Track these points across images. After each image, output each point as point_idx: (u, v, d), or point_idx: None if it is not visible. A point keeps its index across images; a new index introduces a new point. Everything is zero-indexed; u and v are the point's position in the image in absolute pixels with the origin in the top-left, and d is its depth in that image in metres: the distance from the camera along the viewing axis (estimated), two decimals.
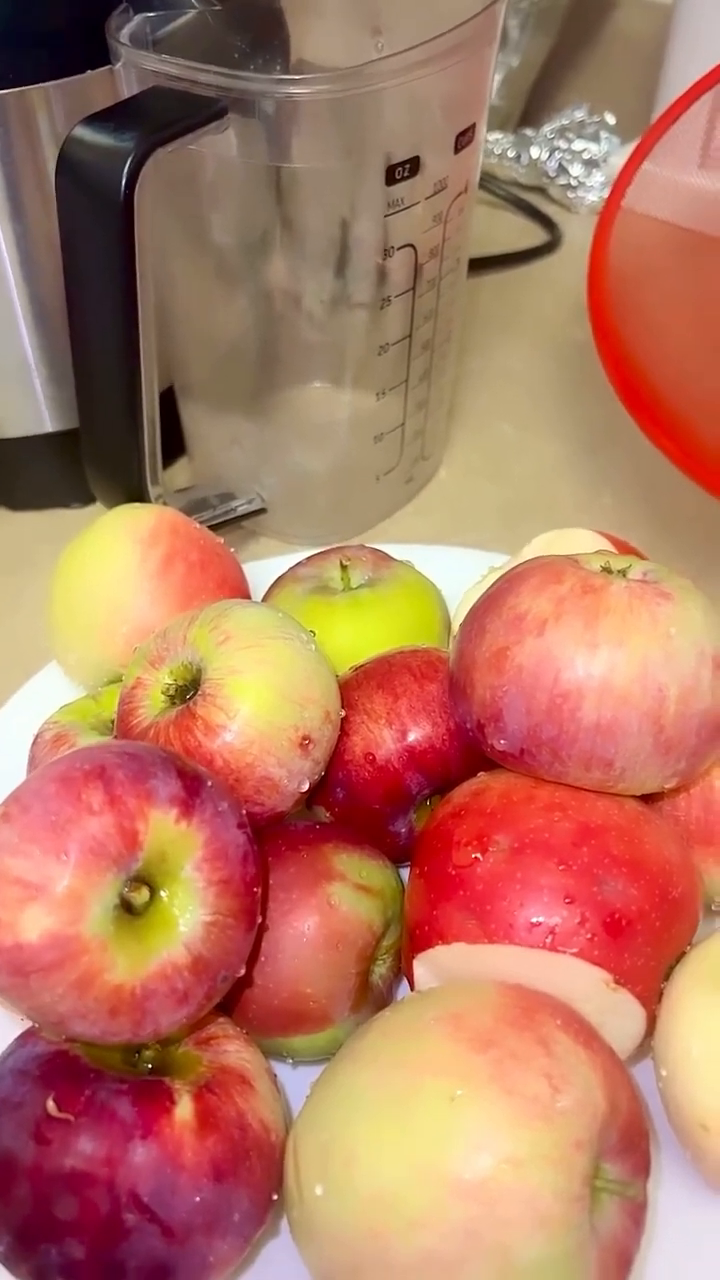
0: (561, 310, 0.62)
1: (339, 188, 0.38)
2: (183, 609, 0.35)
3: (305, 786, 0.30)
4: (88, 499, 0.49)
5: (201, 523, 0.40)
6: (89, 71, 0.39)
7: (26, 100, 0.38)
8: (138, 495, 0.39)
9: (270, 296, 0.42)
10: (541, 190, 0.70)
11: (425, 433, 0.49)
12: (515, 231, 0.68)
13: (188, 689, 0.30)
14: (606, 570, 0.29)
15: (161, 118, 0.34)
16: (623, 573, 0.29)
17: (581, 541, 0.36)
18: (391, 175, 0.37)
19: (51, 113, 0.39)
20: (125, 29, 0.37)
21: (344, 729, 0.32)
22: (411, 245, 0.40)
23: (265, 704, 0.28)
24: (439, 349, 0.46)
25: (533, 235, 0.67)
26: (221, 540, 0.38)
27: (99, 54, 0.38)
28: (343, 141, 0.36)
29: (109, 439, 0.38)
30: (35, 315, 0.43)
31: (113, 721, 0.34)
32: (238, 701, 0.28)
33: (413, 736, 0.32)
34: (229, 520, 0.45)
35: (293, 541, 0.48)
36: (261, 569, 0.41)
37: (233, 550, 0.38)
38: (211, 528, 0.42)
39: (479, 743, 0.29)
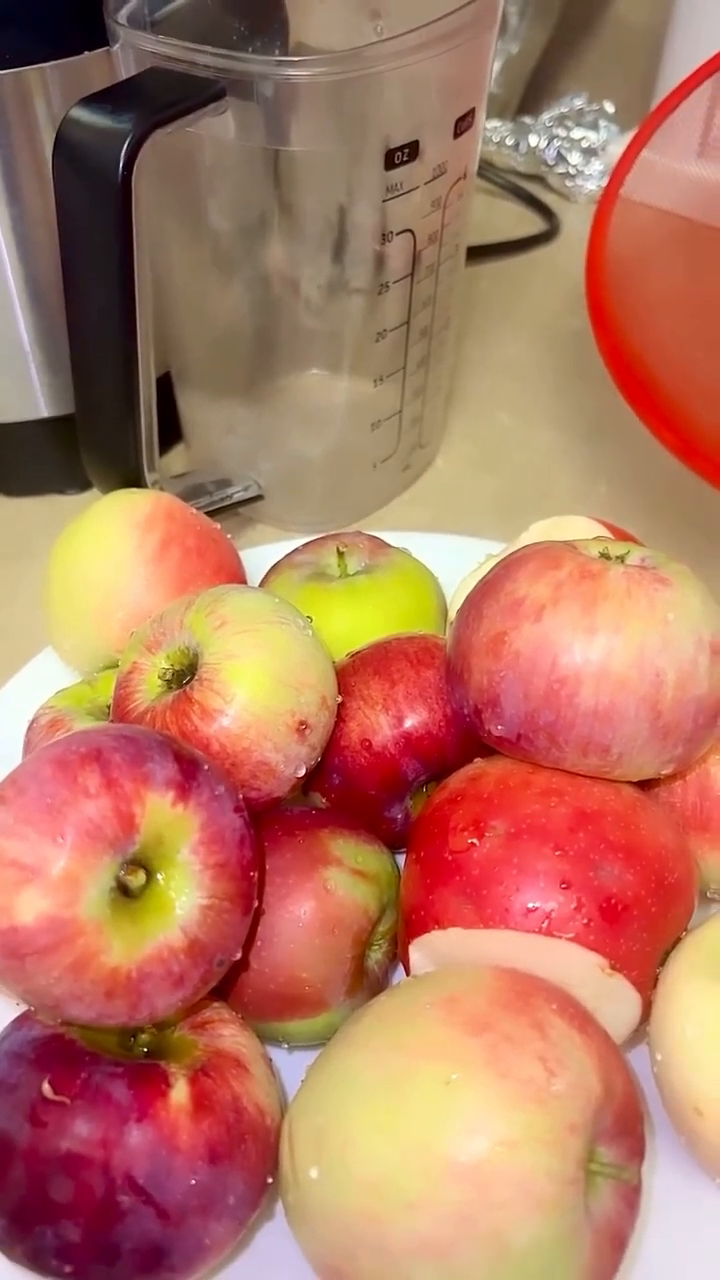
0: (559, 298, 0.62)
1: (337, 172, 0.37)
2: (179, 594, 0.35)
3: (302, 772, 0.30)
4: (84, 484, 0.49)
5: (198, 509, 0.39)
6: (87, 53, 0.39)
7: (23, 81, 0.38)
8: (134, 481, 0.39)
9: (267, 281, 0.42)
10: (540, 179, 0.70)
11: (423, 420, 0.49)
12: (513, 219, 0.68)
13: (184, 674, 0.30)
14: (605, 556, 0.29)
15: (159, 99, 0.33)
16: (620, 558, 0.29)
17: (579, 529, 0.36)
18: (390, 160, 0.37)
19: (49, 94, 0.39)
20: (124, 9, 0.37)
21: (340, 715, 0.32)
22: (410, 231, 0.40)
23: (262, 689, 0.28)
24: (437, 336, 0.46)
25: (531, 223, 0.67)
26: (218, 526, 0.38)
27: (97, 35, 0.38)
28: (341, 125, 0.36)
29: (105, 424, 0.38)
30: (31, 300, 0.43)
31: (109, 707, 0.34)
32: (234, 686, 0.28)
33: (409, 723, 0.32)
34: (226, 507, 0.45)
35: (289, 528, 0.48)
36: (258, 555, 0.41)
37: (229, 536, 0.38)
38: (208, 514, 0.41)
39: (476, 728, 0.29)
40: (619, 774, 0.28)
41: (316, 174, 0.38)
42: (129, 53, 0.36)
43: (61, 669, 0.39)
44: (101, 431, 0.38)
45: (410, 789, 0.33)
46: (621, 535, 0.36)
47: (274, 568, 0.39)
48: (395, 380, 0.45)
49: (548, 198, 0.69)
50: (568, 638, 0.27)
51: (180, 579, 0.36)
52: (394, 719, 0.32)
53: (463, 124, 0.39)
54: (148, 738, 0.25)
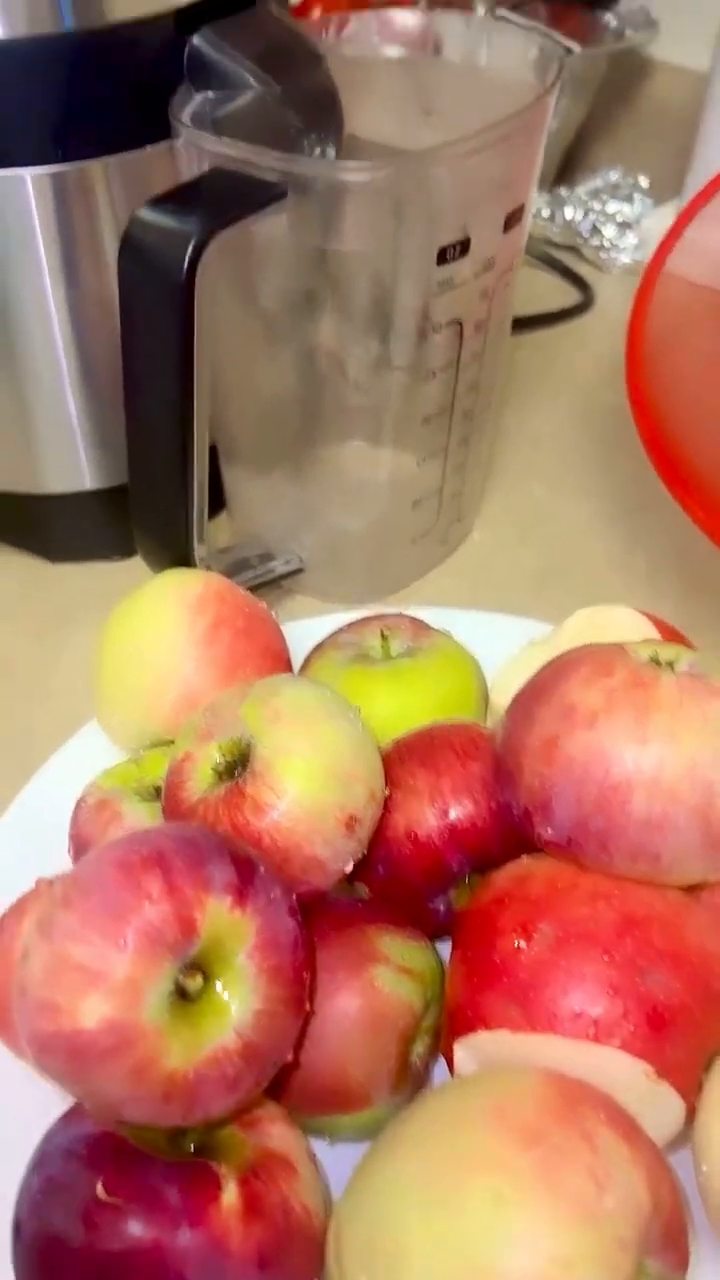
0: (595, 370, 0.63)
1: (388, 266, 0.38)
2: (227, 676, 0.36)
3: (349, 866, 0.30)
4: (127, 551, 0.50)
5: (242, 584, 0.40)
6: (149, 146, 0.40)
7: (87, 174, 0.39)
8: (184, 559, 0.40)
9: (315, 359, 0.43)
10: (575, 250, 0.71)
11: (462, 495, 0.49)
12: (548, 290, 0.69)
13: (236, 765, 0.30)
14: (655, 661, 0.29)
15: (223, 201, 0.34)
16: (671, 664, 0.29)
17: (620, 620, 0.36)
18: (442, 256, 0.38)
19: (110, 186, 0.40)
20: (187, 108, 0.38)
21: (386, 805, 0.32)
22: (458, 321, 0.41)
23: (313, 784, 0.29)
24: (479, 416, 0.47)
25: (565, 294, 0.68)
26: (264, 605, 0.39)
27: (159, 127, 0.39)
28: (395, 225, 0.37)
29: (159, 508, 0.39)
30: (81, 376, 0.44)
31: (156, 788, 0.34)
32: (287, 781, 0.29)
33: (454, 815, 0.32)
34: (269, 582, 0.45)
35: (329, 600, 0.48)
36: (301, 630, 0.42)
37: (273, 612, 0.39)
38: (252, 588, 0.42)
39: (525, 829, 0.30)
40: (667, 880, 0.29)
41: (368, 267, 0.39)
42: (192, 151, 0.37)
43: (107, 743, 0.39)
44: (155, 515, 0.39)
45: (454, 880, 0.33)
46: (664, 629, 0.36)
47: (318, 648, 0.39)
48: (437, 459, 0.45)
49: (582, 268, 0.70)
50: (621, 747, 0.27)
51: (229, 661, 0.36)
52: (439, 811, 0.32)
53: (513, 218, 0.40)
54: (207, 840, 0.26)
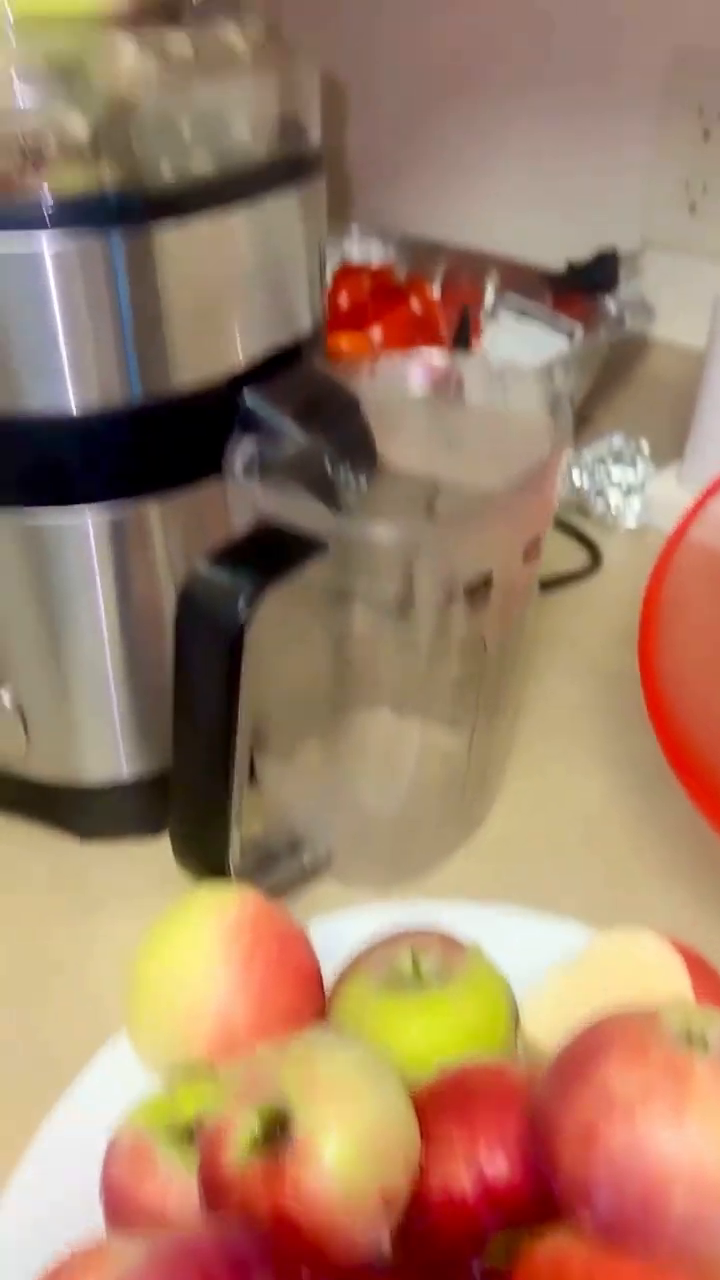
0: (604, 633, 0.66)
1: (414, 599, 0.41)
2: (260, 1001, 0.37)
3: (385, 1243, 0.30)
4: (156, 829, 0.51)
5: (273, 884, 0.41)
6: (202, 483, 0.44)
7: (143, 511, 0.43)
8: (219, 868, 0.41)
9: (343, 663, 0.46)
10: (582, 512, 0.76)
11: (486, 779, 0.51)
12: (556, 549, 0.73)
13: (274, 1132, 0.30)
14: (688, 1036, 0.30)
15: (274, 557, 0.37)
16: (704, 1040, 0.30)
17: (646, 954, 0.37)
18: (466, 591, 0.41)
19: (164, 519, 0.43)
20: (239, 458, 0.42)
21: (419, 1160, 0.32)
22: (481, 638, 0.44)
23: (355, 1165, 0.29)
24: (501, 711, 0.49)
25: (573, 553, 0.72)
26: (298, 926, 0.40)
27: (212, 467, 0.43)
28: (423, 569, 0.40)
29: (198, 821, 0.40)
30: (127, 676, 0.46)
31: (189, 1130, 0.34)
32: (327, 1160, 0.29)
33: (490, 1173, 0.32)
34: (298, 879, 0.47)
35: (354, 884, 0.49)
36: (331, 935, 0.42)
37: (298, 901, 0.40)
38: (281, 880, 0.43)
39: (564, 1209, 0.30)
40: (706, 1272, 0.28)
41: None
42: (243, 501, 0.41)
43: (134, 1059, 0.39)
44: (194, 829, 0.41)
45: (487, 1240, 0.32)
46: (691, 961, 0.37)
47: (346, 973, 0.40)
48: (462, 747, 0.47)
49: (587, 527, 0.74)
50: (659, 1142, 0.27)
51: (263, 987, 0.37)
52: (474, 1171, 0.32)
53: (532, 548, 0.44)
54: (252, 1252, 0.26)
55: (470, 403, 0.48)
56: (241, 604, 0.36)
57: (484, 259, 0.89)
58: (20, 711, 0.47)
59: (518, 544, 0.42)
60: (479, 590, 0.41)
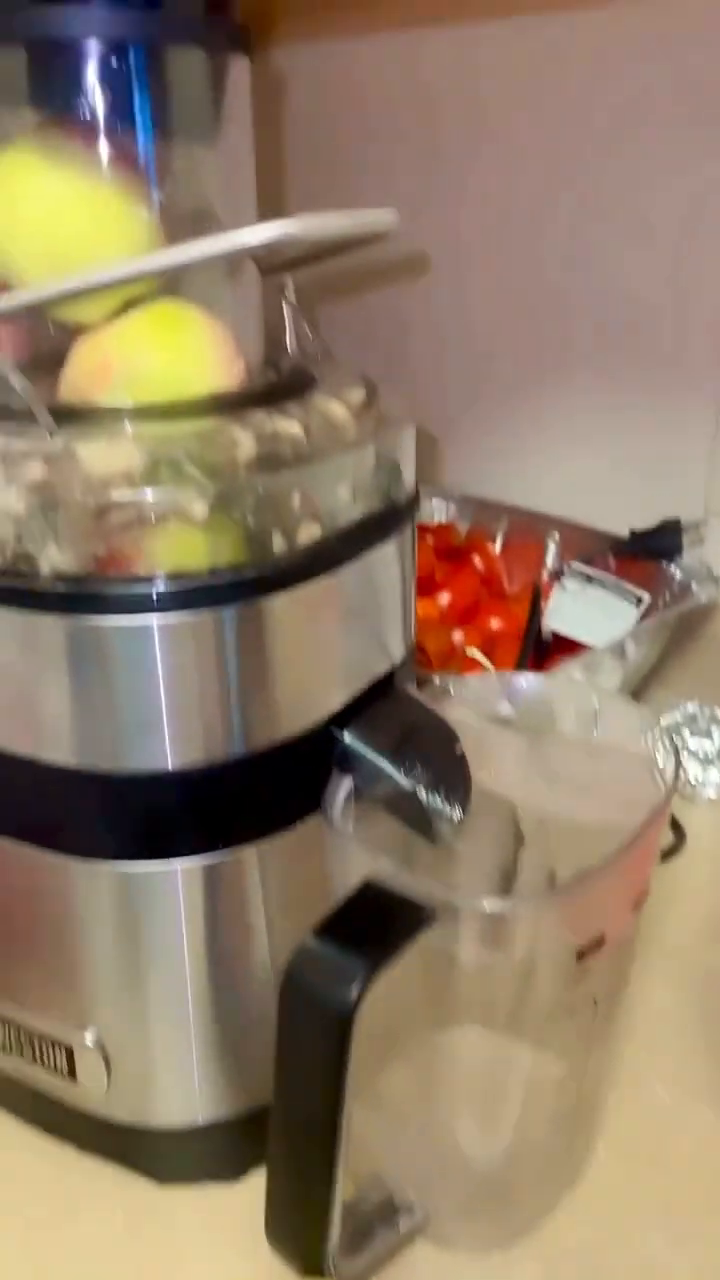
0: (696, 923, 0.63)
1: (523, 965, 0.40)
2: None
3: None
4: (240, 1170, 0.48)
5: (367, 1261, 0.38)
6: (298, 825, 0.43)
7: (240, 857, 0.42)
8: (316, 1266, 0.38)
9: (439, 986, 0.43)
10: None
11: (591, 1123, 0.48)
12: None
13: None
14: None
15: (383, 934, 0.36)
16: None
17: None
18: (579, 953, 0.39)
19: (260, 863, 0.43)
20: (338, 799, 0.41)
21: None
22: (592, 997, 0.42)
23: None
24: (607, 1052, 0.46)
25: None
26: None
27: (308, 807, 0.42)
28: (533, 936, 0.39)
29: (296, 1220, 0.38)
30: (208, 1020, 0.44)
31: None
32: None
33: None
34: (395, 1250, 0.43)
35: (453, 1248, 0.45)
36: None
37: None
38: (377, 1257, 0.40)
39: None
40: None
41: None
42: (342, 851, 0.40)
43: None
44: (291, 1230, 0.38)
45: None
46: None
47: None
48: (569, 1076, 0.44)
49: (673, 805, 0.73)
50: None
51: None
52: None
53: (641, 898, 0.42)
54: None
55: (560, 726, 0.48)
56: (355, 989, 0.34)
57: (545, 520, 0.92)
58: (103, 1050, 0.45)
59: (628, 900, 0.41)
60: (589, 949, 0.40)
